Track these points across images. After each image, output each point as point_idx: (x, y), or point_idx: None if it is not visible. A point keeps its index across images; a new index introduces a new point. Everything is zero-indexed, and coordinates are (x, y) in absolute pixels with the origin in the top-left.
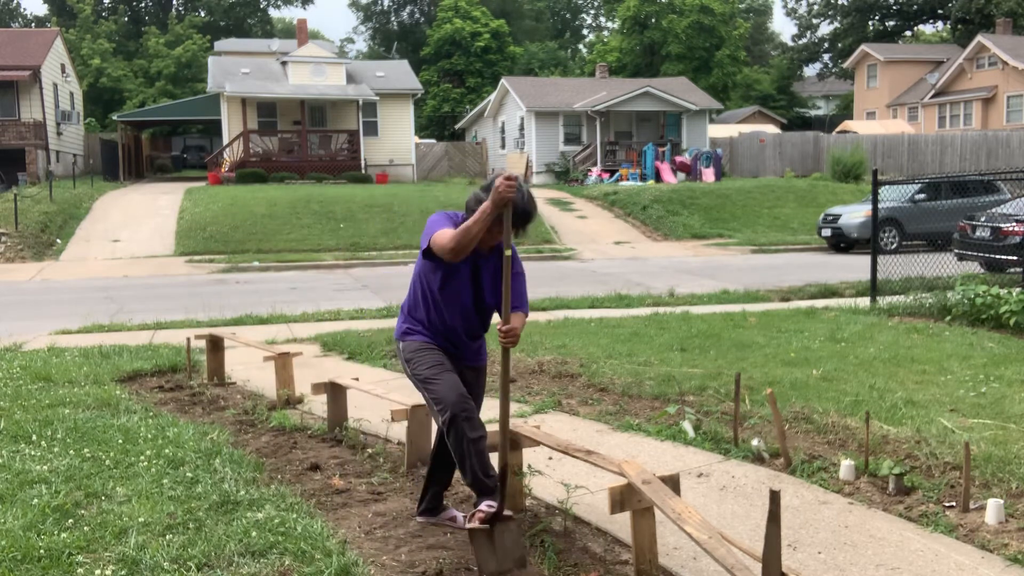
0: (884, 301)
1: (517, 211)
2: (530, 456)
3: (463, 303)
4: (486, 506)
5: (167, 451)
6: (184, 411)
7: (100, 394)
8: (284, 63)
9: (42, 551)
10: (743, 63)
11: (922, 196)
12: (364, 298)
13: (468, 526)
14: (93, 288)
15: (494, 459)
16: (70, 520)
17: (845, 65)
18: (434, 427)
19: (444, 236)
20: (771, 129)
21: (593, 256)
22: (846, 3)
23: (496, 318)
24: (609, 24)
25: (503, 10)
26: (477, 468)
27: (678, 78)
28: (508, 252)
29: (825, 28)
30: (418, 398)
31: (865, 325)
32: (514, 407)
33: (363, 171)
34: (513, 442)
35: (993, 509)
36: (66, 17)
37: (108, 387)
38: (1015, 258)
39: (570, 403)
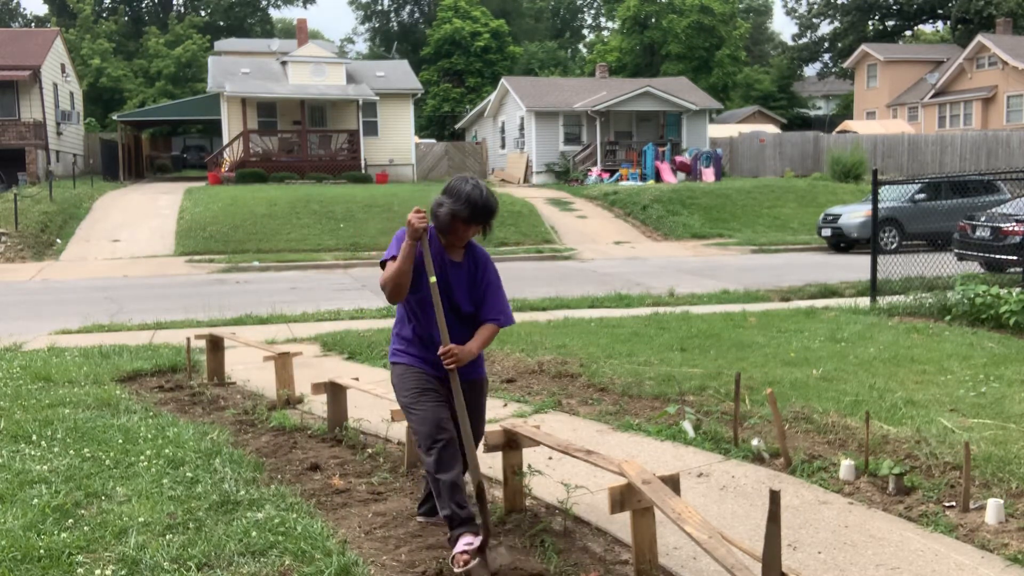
0: (884, 301)
1: (478, 208)
2: (530, 456)
3: (443, 314)
4: (464, 545)
5: (167, 451)
6: (184, 411)
7: (100, 394)
8: (284, 63)
9: (42, 551)
10: (743, 63)
11: (922, 196)
12: (364, 298)
13: (456, 571)
14: (93, 288)
15: (495, 465)
16: (70, 520)
17: (845, 65)
18: None
19: (384, 275)
20: (771, 129)
21: (593, 256)
22: (846, 3)
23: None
24: (609, 24)
25: (503, 10)
26: (451, 501)
27: (678, 78)
28: (433, 279)
29: (825, 28)
30: None
31: (865, 325)
32: (514, 407)
33: (363, 171)
34: (513, 442)
35: (993, 509)
36: (66, 17)
37: (108, 387)
38: (1015, 258)
39: (570, 403)
